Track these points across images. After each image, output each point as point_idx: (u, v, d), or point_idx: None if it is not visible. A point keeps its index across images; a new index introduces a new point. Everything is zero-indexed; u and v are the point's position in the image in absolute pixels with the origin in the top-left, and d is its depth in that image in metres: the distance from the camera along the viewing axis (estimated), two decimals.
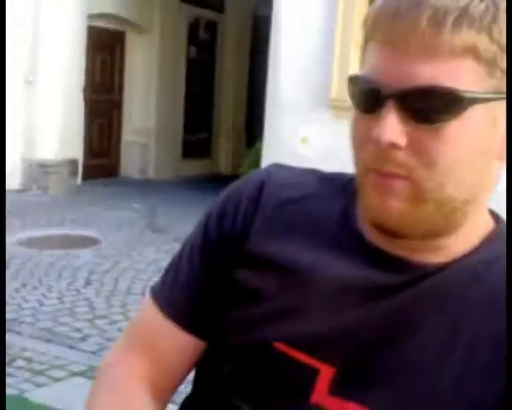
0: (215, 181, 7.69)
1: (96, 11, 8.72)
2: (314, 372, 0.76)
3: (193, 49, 10.59)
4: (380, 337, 0.76)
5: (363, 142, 0.73)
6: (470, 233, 0.78)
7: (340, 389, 0.75)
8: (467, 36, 0.67)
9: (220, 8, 10.88)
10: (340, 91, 6.06)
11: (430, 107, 0.69)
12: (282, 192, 0.86)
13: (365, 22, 0.75)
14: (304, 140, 6.24)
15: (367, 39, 0.75)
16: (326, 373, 0.76)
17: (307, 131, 6.23)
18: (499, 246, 0.79)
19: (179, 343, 0.87)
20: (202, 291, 0.87)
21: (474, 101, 0.69)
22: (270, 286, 0.81)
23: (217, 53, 11.02)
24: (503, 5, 0.69)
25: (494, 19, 0.68)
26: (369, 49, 0.74)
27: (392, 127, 0.69)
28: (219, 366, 0.84)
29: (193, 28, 10.52)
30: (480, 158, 0.72)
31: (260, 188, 0.86)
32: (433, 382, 0.74)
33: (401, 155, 0.70)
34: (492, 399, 0.72)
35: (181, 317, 0.86)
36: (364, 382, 0.75)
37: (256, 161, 6.80)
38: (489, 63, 0.69)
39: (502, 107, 0.72)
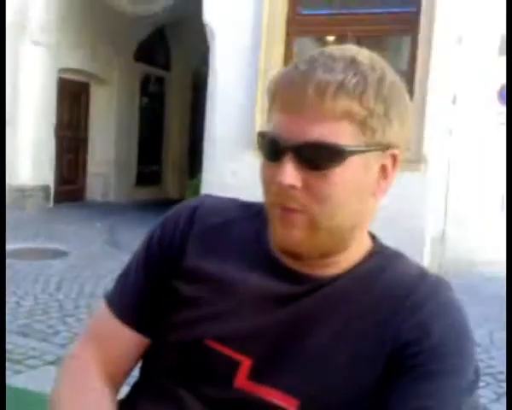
0: (164, 204, 7.34)
1: (65, 66, 8.52)
2: (236, 363, 0.77)
3: (144, 99, 10.48)
4: (286, 334, 0.77)
5: (269, 183, 0.74)
6: (356, 251, 0.80)
7: (256, 375, 0.76)
8: (343, 103, 0.69)
9: (167, 67, 10.81)
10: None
11: (318, 157, 0.71)
12: (210, 218, 0.86)
13: (269, 89, 0.76)
14: (234, 173, 6.28)
15: (271, 103, 0.76)
16: (245, 364, 0.77)
17: (236, 166, 6.28)
18: (376, 259, 0.81)
19: (126, 339, 0.86)
20: (146, 297, 0.86)
21: (351, 153, 0.71)
22: (198, 294, 0.81)
23: (164, 102, 10.94)
24: (371, 78, 0.70)
25: (364, 90, 0.70)
26: (273, 109, 0.75)
27: (290, 173, 0.70)
28: (161, 358, 0.83)
29: (144, 82, 10.42)
30: (358, 195, 0.74)
31: (193, 214, 0.86)
32: (329, 364, 0.75)
33: (298, 194, 0.72)
34: (373, 381, 0.73)
35: (128, 317, 0.86)
36: (275, 369, 0.76)
37: (197, 189, 6.76)
38: (360, 124, 0.71)
39: (373, 156, 0.73)
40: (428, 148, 5.56)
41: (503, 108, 5.55)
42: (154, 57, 10.45)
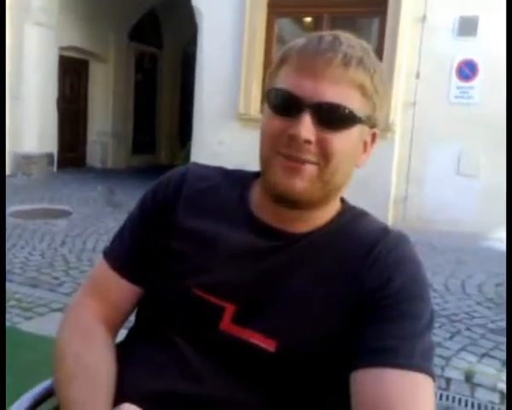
0: (157, 170, 7.31)
1: (66, 44, 8.29)
2: (221, 309, 0.77)
3: (139, 75, 10.25)
4: (266, 283, 0.77)
5: (278, 135, 0.73)
6: (329, 209, 0.81)
7: (239, 320, 0.76)
8: (361, 76, 0.72)
9: (159, 45, 10.57)
10: (245, 108, 6.09)
11: (334, 117, 0.72)
12: (198, 182, 0.85)
13: (285, 53, 0.76)
14: (220, 142, 6.23)
15: (280, 65, 0.76)
16: (229, 309, 0.77)
17: (222, 136, 6.23)
18: (345, 217, 0.81)
19: (122, 289, 0.86)
20: (139, 251, 0.85)
21: (360, 121, 0.73)
22: (187, 249, 0.81)
23: (157, 78, 10.74)
24: (378, 63, 0.75)
25: (375, 70, 0.73)
26: (283, 72, 0.75)
27: (307, 128, 0.71)
28: (154, 306, 0.83)
29: (139, 59, 10.18)
30: (352, 160, 0.77)
31: (183, 178, 0.86)
32: (304, 308, 0.75)
33: (311, 147, 0.72)
34: (343, 323, 0.74)
35: (123, 269, 0.85)
36: (256, 314, 0.76)
37: (187, 156, 6.76)
38: (368, 98, 0.73)
39: (365, 130, 0.76)
40: (394, 118, 5.55)
41: (461, 83, 5.56)
42: (147, 37, 10.20)
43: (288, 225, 0.79)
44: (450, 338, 2.94)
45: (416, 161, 5.71)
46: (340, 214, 0.82)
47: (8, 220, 5.13)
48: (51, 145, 8.26)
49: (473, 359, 2.69)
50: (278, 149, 0.73)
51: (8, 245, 4.33)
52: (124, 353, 0.82)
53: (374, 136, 0.79)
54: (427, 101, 5.60)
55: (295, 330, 0.74)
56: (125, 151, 9.98)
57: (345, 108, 0.71)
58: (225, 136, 6.19)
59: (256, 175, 0.87)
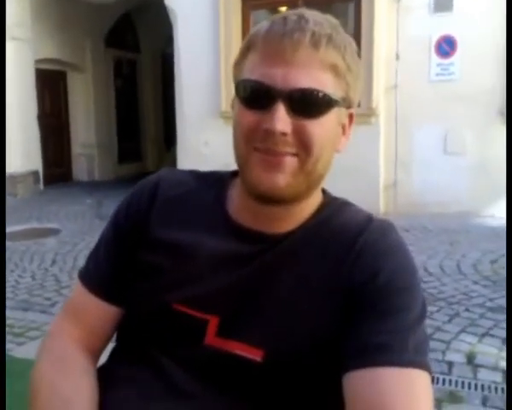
0: (145, 177, 7.40)
1: (41, 57, 8.22)
2: (205, 322, 0.74)
3: (119, 81, 10.17)
4: (248, 290, 0.75)
5: (252, 129, 0.69)
6: (311, 202, 0.77)
7: (223, 331, 0.74)
8: (332, 55, 0.68)
9: (137, 50, 10.49)
10: (227, 105, 6.06)
11: (309, 104, 0.68)
12: (171, 190, 0.82)
13: (250, 41, 0.72)
14: (206, 142, 6.21)
15: (246, 53, 0.72)
16: (213, 322, 0.74)
17: (207, 136, 6.20)
18: (327, 210, 0.78)
19: (101, 311, 0.83)
20: (116, 270, 0.83)
21: (336, 103, 0.70)
22: (164, 262, 0.78)
23: (137, 82, 10.67)
24: (348, 39, 0.71)
25: (345, 47, 0.70)
26: (250, 61, 0.71)
27: (282, 119, 0.67)
28: (135, 325, 0.80)
29: (117, 66, 10.10)
30: (332, 146, 0.73)
31: (155, 187, 0.83)
32: (289, 314, 0.73)
33: (288, 139, 0.68)
34: (331, 324, 0.71)
35: (100, 291, 0.83)
36: (240, 324, 0.74)
37: (173, 160, 6.72)
38: (341, 78, 0.70)
39: (345, 115, 0.74)
40: (377, 102, 5.54)
41: (441, 60, 5.55)
42: (123, 42, 10.12)
43: (268, 225, 0.76)
44: (449, 321, 2.94)
45: (402, 144, 5.70)
46: (321, 208, 0.78)
47: None
48: (36, 162, 8.21)
49: (473, 340, 2.70)
50: (254, 144, 0.70)
51: None
52: (106, 376, 0.80)
53: (351, 117, 0.76)
54: (408, 82, 5.59)
55: (281, 336, 0.72)
56: (112, 161, 9.92)
57: (319, 92, 0.67)
58: (210, 136, 6.16)
59: (234, 174, 0.83)
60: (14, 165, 7.69)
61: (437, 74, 5.57)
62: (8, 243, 5.09)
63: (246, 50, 0.73)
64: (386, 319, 0.68)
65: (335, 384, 0.69)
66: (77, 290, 0.86)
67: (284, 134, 0.67)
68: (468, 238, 4.72)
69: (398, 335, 0.67)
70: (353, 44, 0.72)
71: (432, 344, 2.62)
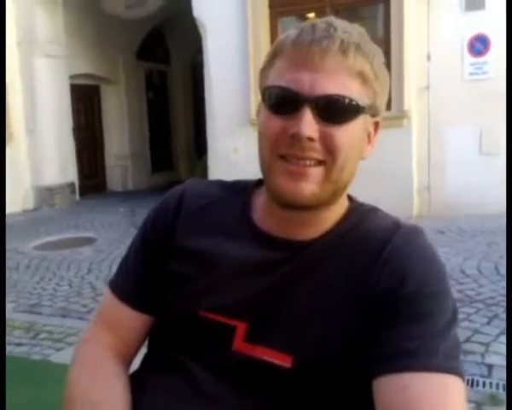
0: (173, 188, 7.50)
1: (75, 72, 8.47)
2: (232, 328, 0.75)
3: (150, 93, 10.36)
4: (274, 296, 0.75)
5: (278, 136, 0.69)
6: (336, 209, 0.77)
7: (251, 337, 0.74)
8: (360, 63, 0.68)
9: (167, 62, 10.68)
10: None
11: (336, 111, 0.68)
12: (196, 201, 0.84)
13: (277, 48, 0.72)
14: (235, 150, 6.25)
15: (273, 59, 0.72)
16: (241, 327, 0.75)
17: (237, 144, 6.25)
18: (353, 217, 0.78)
19: (131, 320, 0.84)
20: (145, 278, 0.84)
21: (363, 110, 0.69)
22: (191, 271, 0.79)
23: (168, 94, 10.85)
24: (376, 49, 0.71)
25: (374, 56, 0.70)
26: (277, 67, 0.71)
27: (309, 125, 0.67)
28: (164, 333, 0.82)
29: (148, 78, 10.31)
30: (358, 153, 0.73)
31: (181, 198, 0.84)
32: (316, 319, 0.72)
33: (315, 145, 0.68)
34: (357, 331, 0.71)
35: (130, 300, 0.85)
36: (268, 330, 0.74)
37: (205, 169, 6.77)
38: (369, 86, 0.70)
39: (371, 123, 0.74)
40: (409, 104, 5.47)
41: (474, 59, 5.44)
42: (154, 54, 10.31)
43: (293, 232, 0.76)
44: (488, 323, 2.88)
45: (435, 145, 5.61)
46: (347, 215, 0.78)
47: (35, 253, 5.26)
48: (72, 174, 8.44)
49: None
50: (279, 151, 0.70)
51: (36, 278, 4.44)
52: (137, 383, 0.81)
53: (377, 125, 0.75)
54: (441, 82, 5.51)
55: (309, 342, 0.72)
56: (145, 171, 10.11)
57: (346, 98, 0.67)
58: (240, 143, 6.20)
59: (259, 183, 0.84)
60: (50, 178, 7.95)
61: (470, 74, 5.47)
62: (46, 253, 5.25)
63: (273, 57, 0.73)
64: (416, 325, 0.67)
65: (363, 390, 0.69)
66: (107, 299, 0.87)
67: (311, 139, 0.67)
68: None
69: (427, 340, 0.66)
70: (381, 54, 0.72)
71: (470, 347, 2.58)
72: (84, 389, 0.78)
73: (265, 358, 0.73)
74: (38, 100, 7.77)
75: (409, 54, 5.47)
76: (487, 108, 5.31)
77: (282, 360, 0.72)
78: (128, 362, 0.86)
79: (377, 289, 0.70)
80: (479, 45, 5.39)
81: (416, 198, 5.69)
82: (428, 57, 5.53)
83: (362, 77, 0.68)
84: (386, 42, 5.37)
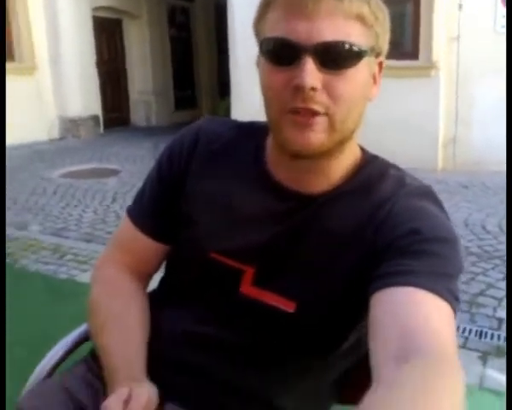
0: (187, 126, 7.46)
1: (98, 4, 8.28)
2: (240, 272, 0.76)
3: (173, 30, 10.11)
4: (284, 245, 0.75)
5: (281, 88, 0.66)
6: (345, 158, 0.74)
7: (258, 282, 0.75)
8: (357, 5, 0.64)
9: None
10: None
11: (338, 57, 0.65)
12: (211, 142, 0.82)
13: None
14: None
15: (266, 10, 0.68)
16: (249, 272, 0.76)
17: (258, 88, 6.11)
18: (364, 172, 0.75)
19: (146, 246, 0.85)
20: (160, 210, 0.85)
21: (365, 54, 0.66)
22: (202, 213, 0.79)
23: (191, 31, 10.58)
24: None
25: None
26: (271, 17, 0.67)
27: (311, 74, 0.64)
28: (176, 271, 0.84)
29: (171, 14, 10.04)
30: (363, 97, 0.70)
31: (196, 139, 0.82)
32: (321, 269, 0.73)
33: (318, 95, 0.65)
34: (349, 278, 0.71)
35: (145, 227, 0.85)
36: (275, 276, 0.75)
37: (227, 108, 6.72)
38: (369, 27, 0.66)
39: (375, 64, 0.71)
40: (437, 54, 5.25)
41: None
42: None
43: (304, 183, 0.75)
44: (503, 279, 2.85)
45: (463, 98, 5.41)
46: (358, 168, 0.76)
47: (61, 181, 5.31)
48: (96, 107, 8.39)
49: None
50: (285, 106, 0.67)
51: (62, 204, 4.49)
52: (155, 299, 0.86)
53: (380, 65, 0.72)
54: (471, 33, 5.25)
55: (314, 290, 0.73)
56: (168, 108, 10.01)
57: (346, 44, 0.64)
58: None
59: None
60: (75, 109, 7.94)
61: (503, 26, 5.20)
62: (71, 181, 5.29)
63: (265, 7, 0.69)
64: (422, 258, 0.64)
65: (362, 327, 0.71)
66: (125, 225, 0.87)
67: (314, 89, 0.64)
68: None
69: (429, 273, 0.63)
70: None
71: (484, 300, 2.60)
72: (107, 304, 0.82)
73: (270, 302, 0.74)
74: (61, 31, 7.67)
75: (439, 1, 5.21)
76: None
77: (286, 305, 0.73)
78: (145, 279, 0.88)
79: (381, 240, 0.69)
80: None
81: (441, 151, 5.55)
82: (460, 6, 5.25)
83: (360, 20, 0.65)
84: None
